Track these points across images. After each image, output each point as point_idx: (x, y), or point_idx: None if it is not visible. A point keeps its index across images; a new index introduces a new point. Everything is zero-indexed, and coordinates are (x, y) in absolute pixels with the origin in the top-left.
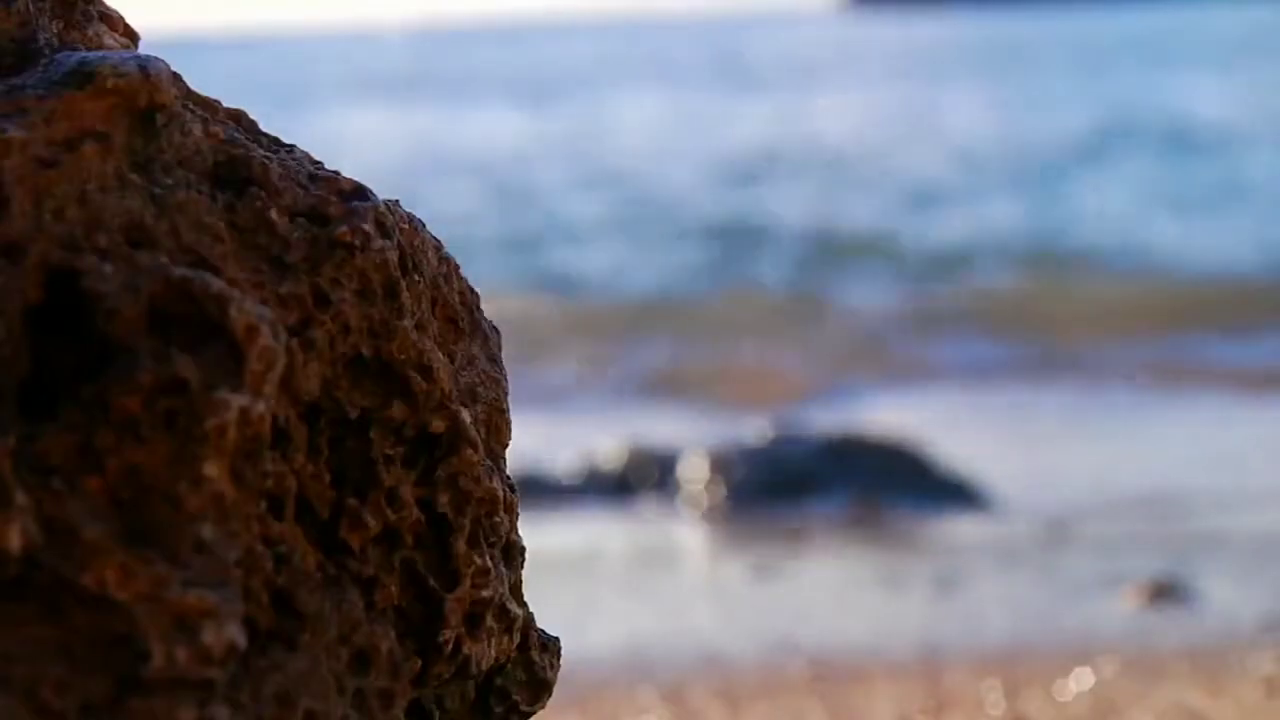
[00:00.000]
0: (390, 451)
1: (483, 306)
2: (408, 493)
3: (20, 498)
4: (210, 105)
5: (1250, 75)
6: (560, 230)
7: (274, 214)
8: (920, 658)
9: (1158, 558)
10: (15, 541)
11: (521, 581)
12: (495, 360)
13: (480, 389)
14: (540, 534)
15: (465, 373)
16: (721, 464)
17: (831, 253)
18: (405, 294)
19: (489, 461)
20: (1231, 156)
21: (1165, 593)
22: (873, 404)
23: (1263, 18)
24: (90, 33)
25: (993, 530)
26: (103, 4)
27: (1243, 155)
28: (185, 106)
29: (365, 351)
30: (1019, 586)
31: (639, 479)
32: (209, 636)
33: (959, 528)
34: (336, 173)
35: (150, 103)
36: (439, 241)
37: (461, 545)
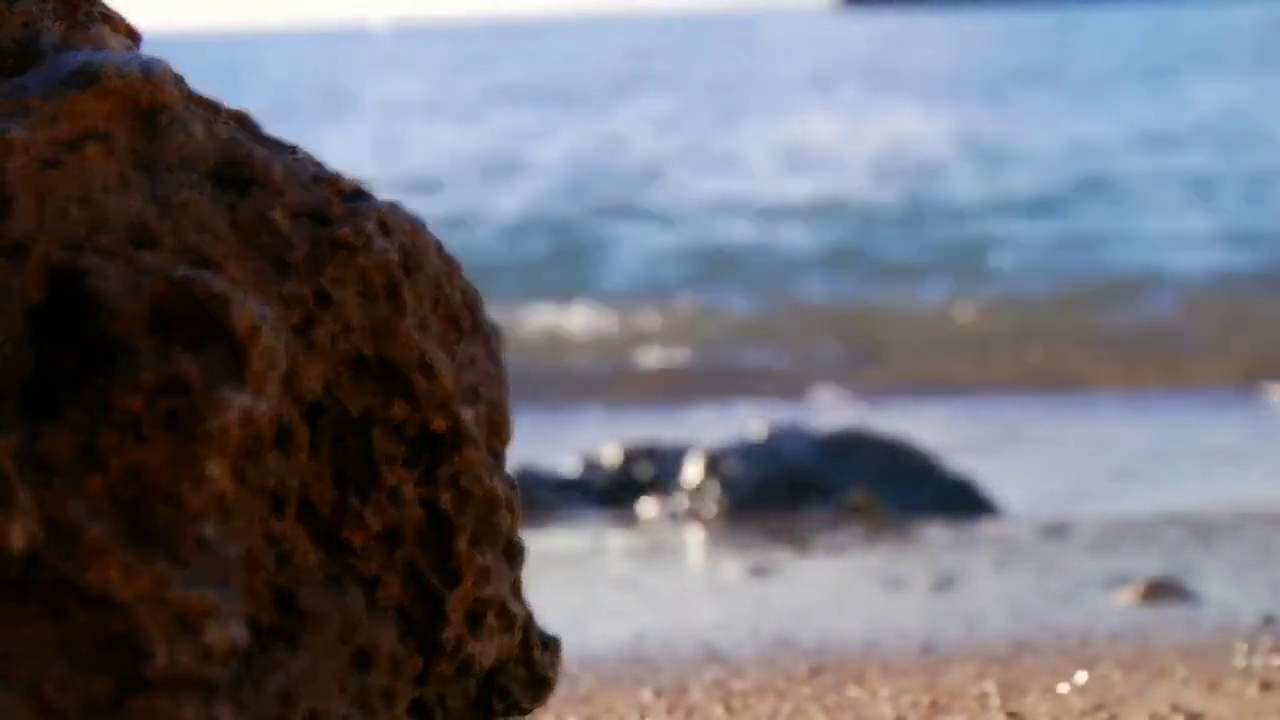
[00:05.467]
0: (392, 451)
1: None
2: (409, 492)
3: (23, 497)
4: (212, 106)
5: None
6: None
7: (276, 214)
8: (919, 656)
9: (1156, 557)
10: (18, 541)
11: (522, 580)
12: (496, 360)
13: (482, 388)
14: (540, 534)
15: (467, 372)
16: (721, 463)
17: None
18: (407, 294)
19: (490, 460)
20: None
21: (1163, 591)
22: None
23: (1245, 15)
24: (93, 33)
25: (992, 529)
26: (105, 5)
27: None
28: (187, 107)
29: (367, 351)
30: (1018, 585)
31: (639, 478)
32: (211, 635)
33: (959, 527)
34: (338, 174)
35: (153, 103)
36: (440, 242)
37: (463, 544)
